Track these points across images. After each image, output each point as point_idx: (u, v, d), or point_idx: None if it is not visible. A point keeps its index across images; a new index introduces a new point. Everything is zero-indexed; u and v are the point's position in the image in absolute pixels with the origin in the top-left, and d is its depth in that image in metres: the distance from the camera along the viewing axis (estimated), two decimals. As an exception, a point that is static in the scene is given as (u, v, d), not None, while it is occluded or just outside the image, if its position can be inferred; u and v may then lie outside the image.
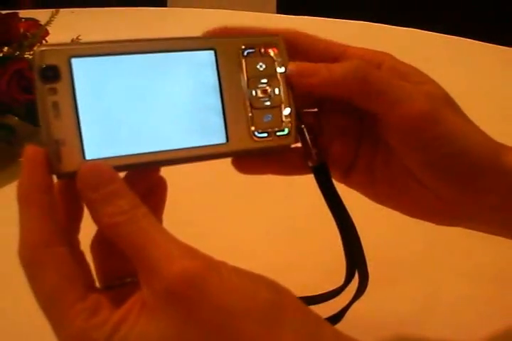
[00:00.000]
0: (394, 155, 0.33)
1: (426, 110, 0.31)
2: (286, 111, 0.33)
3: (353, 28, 1.42)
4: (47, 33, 0.75)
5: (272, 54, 0.33)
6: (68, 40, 0.69)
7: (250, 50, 0.32)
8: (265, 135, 0.33)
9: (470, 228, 0.36)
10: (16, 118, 0.69)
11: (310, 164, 0.34)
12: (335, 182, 0.36)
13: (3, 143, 0.64)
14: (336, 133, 0.36)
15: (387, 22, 1.39)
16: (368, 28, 1.42)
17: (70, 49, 0.29)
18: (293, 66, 0.32)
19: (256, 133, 0.32)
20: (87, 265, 0.30)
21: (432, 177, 0.32)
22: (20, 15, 0.73)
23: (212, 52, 0.32)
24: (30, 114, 0.66)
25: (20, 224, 0.27)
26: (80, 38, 0.71)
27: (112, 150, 0.29)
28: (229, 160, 0.35)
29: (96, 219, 0.27)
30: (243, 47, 0.32)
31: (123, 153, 0.29)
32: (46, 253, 0.26)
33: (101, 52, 0.29)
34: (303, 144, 0.34)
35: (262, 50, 0.33)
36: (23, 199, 0.27)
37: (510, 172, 0.32)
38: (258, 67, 0.33)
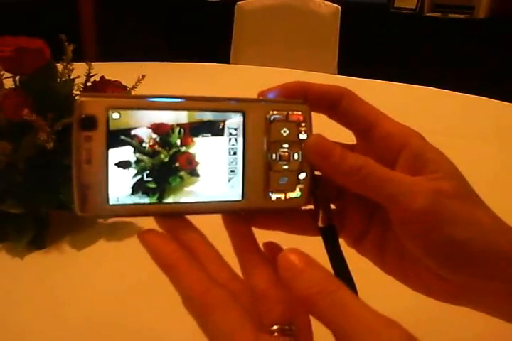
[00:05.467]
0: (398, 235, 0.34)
1: (425, 205, 0.31)
2: (302, 175, 0.34)
3: (416, 92, 1.45)
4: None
5: (297, 120, 0.34)
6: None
7: (277, 116, 0.34)
8: (279, 196, 0.34)
9: (476, 310, 0.35)
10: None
11: (319, 225, 0.35)
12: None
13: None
14: (353, 201, 0.36)
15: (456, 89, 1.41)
16: (428, 92, 1.44)
17: (109, 101, 0.31)
18: (312, 141, 0.33)
19: (270, 193, 0.34)
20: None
21: (435, 263, 0.32)
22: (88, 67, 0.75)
23: (241, 114, 0.33)
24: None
25: (174, 283, 0.30)
26: (129, 89, 0.74)
27: (135, 199, 0.31)
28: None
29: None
30: (271, 112, 0.34)
31: (145, 202, 0.31)
32: (212, 296, 0.28)
33: (136, 106, 0.31)
34: (314, 205, 0.35)
35: (288, 116, 0.34)
36: (165, 264, 0.30)
37: None
38: (282, 132, 0.34)
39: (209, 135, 0.33)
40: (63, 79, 0.74)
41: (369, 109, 0.36)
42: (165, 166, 0.32)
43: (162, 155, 0.32)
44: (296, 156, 0.34)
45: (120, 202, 0.31)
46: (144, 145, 0.31)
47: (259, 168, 0.34)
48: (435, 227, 0.31)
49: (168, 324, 0.53)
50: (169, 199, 0.32)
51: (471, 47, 3.06)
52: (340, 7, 2.04)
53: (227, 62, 2.10)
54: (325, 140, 0.33)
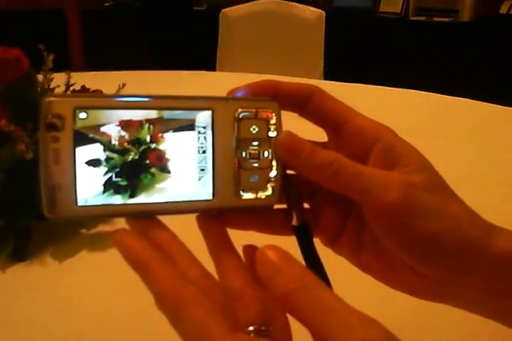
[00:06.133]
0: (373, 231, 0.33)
1: (397, 198, 0.31)
2: (273, 173, 0.34)
3: (403, 95, 1.46)
4: None
5: (266, 118, 0.34)
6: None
7: (246, 113, 0.34)
8: (250, 194, 0.34)
9: (457, 307, 0.34)
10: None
11: (293, 224, 0.34)
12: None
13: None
14: (327, 199, 0.36)
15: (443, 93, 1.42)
16: (414, 95, 1.44)
17: (75, 101, 0.30)
18: (281, 138, 0.33)
19: (241, 192, 0.34)
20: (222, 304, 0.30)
21: (410, 258, 0.32)
22: (75, 77, 0.75)
23: (209, 112, 0.33)
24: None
25: (146, 281, 0.29)
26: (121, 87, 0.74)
27: (103, 199, 0.31)
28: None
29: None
30: (239, 109, 0.34)
31: (114, 202, 0.31)
32: (185, 292, 0.28)
33: (103, 105, 0.31)
34: (287, 203, 0.35)
35: (258, 113, 0.34)
36: (136, 262, 0.30)
37: (495, 255, 0.31)
38: (251, 129, 0.34)
39: (179, 132, 0.32)
40: (43, 88, 0.73)
41: (340, 105, 0.36)
42: (135, 163, 0.31)
43: (132, 153, 0.31)
44: (266, 154, 0.34)
45: (89, 204, 0.30)
46: (113, 142, 0.31)
47: (229, 167, 0.33)
48: (409, 220, 0.31)
49: (155, 333, 0.52)
50: (141, 197, 0.31)
51: (456, 49, 3.08)
52: (324, 12, 2.05)
53: (214, 69, 2.10)
54: (295, 136, 0.33)
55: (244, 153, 0.34)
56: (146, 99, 0.32)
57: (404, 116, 1.25)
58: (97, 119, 0.30)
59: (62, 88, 0.73)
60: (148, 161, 0.32)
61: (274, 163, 0.34)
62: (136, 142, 0.31)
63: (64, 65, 0.75)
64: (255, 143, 0.34)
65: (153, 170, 0.32)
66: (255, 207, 0.34)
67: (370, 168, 0.33)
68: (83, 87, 0.75)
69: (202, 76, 1.73)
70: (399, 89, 1.47)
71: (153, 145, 0.32)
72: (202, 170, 0.33)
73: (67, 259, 0.64)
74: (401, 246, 0.32)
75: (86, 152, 0.30)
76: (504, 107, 1.28)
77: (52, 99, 0.30)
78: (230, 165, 0.34)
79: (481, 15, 3.15)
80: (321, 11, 2.06)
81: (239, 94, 0.35)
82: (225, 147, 0.33)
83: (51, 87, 0.73)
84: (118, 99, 0.32)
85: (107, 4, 3.80)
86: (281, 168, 0.34)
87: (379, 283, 0.35)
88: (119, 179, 0.31)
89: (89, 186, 0.31)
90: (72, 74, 0.74)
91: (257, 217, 0.36)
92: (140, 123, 0.31)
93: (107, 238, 0.67)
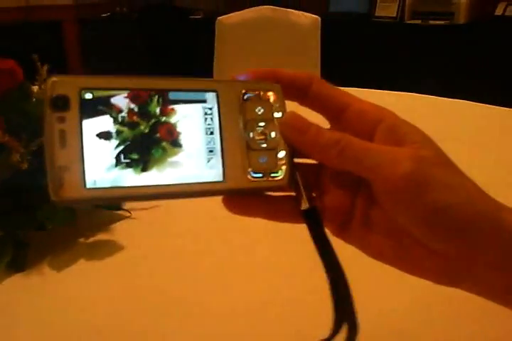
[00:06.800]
0: (384, 210, 0.33)
1: (408, 172, 0.31)
2: (281, 154, 0.34)
3: (401, 99, 1.46)
4: None
5: (270, 99, 0.34)
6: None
7: (250, 94, 0.34)
8: (260, 175, 0.33)
9: (471, 291, 0.34)
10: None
11: (301, 207, 0.34)
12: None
13: (62, 225, 0.65)
14: (332, 183, 0.36)
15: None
16: (407, 98, 1.45)
17: (82, 81, 0.30)
18: (287, 117, 0.34)
19: (251, 173, 0.33)
20: None
21: (424, 233, 0.32)
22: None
23: (214, 94, 0.33)
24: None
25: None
26: None
27: (113, 178, 0.30)
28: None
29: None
30: (243, 91, 0.34)
31: (124, 184, 0.30)
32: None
33: (110, 86, 0.30)
34: (295, 188, 0.35)
35: (262, 95, 0.34)
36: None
37: (508, 231, 0.31)
38: (257, 110, 0.34)
39: (186, 112, 0.32)
40: (38, 99, 0.74)
41: (339, 91, 0.36)
42: (146, 137, 0.31)
43: (142, 126, 0.31)
44: (273, 134, 0.34)
45: (98, 186, 0.29)
46: (122, 115, 0.30)
47: (238, 148, 0.33)
48: (421, 193, 0.31)
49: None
50: (153, 172, 0.31)
51: (452, 52, 3.09)
52: (320, 18, 2.06)
53: (211, 77, 2.11)
54: (300, 116, 0.34)
55: (251, 134, 0.34)
56: (152, 79, 0.32)
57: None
58: (100, 96, 0.30)
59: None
60: (158, 135, 0.31)
61: (282, 143, 0.34)
62: (146, 115, 0.31)
63: (59, 63, 0.75)
64: (262, 123, 0.34)
65: (164, 143, 0.31)
66: (266, 188, 0.34)
67: (378, 145, 0.33)
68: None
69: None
70: (396, 92, 1.47)
71: (163, 119, 0.31)
72: (210, 151, 0.33)
73: (66, 269, 0.63)
74: (415, 221, 0.31)
75: (94, 126, 0.30)
76: (503, 108, 1.29)
77: (56, 79, 0.29)
78: (239, 146, 0.33)
79: (476, 18, 3.16)
80: (316, 16, 2.06)
81: (241, 78, 0.35)
82: (233, 128, 0.33)
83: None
84: (125, 80, 0.31)
85: (104, 15, 3.82)
86: (289, 148, 0.34)
87: (385, 278, 0.35)
88: (129, 153, 0.30)
89: (99, 164, 0.30)
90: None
91: (264, 202, 0.35)
92: (149, 96, 0.31)
93: (104, 246, 0.68)
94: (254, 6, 2.14)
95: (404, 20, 3.28)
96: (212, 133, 0.33)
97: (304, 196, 0.34)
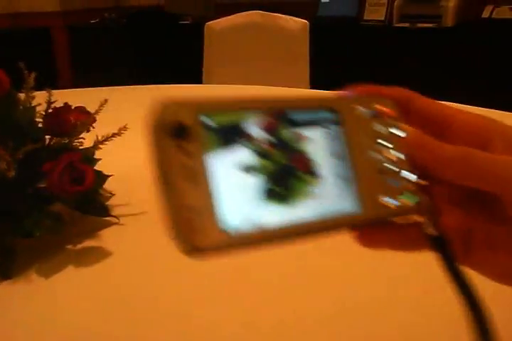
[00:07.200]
0: None
1: None
2: (408, 175, 0.31)
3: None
4: (94, 120, 0.77)
5: (390, 117, 0.32)
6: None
7: (369, 112, 0.31)
8: (392, 201, 0.31)
9: None
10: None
11: (430, 234, 0.32)
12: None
13: (50, 232, 0.65)
14: (449, 203, 0.34)
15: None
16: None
17: (198, 105, 0.26)
18: (412, 136, 0.32)
19: (384, 199, 0.30)
20: None
21: None
22: (61, 94, 0.75)
23: (336, 113, 0.30)
24: (79, 202, 0.69)
25: None
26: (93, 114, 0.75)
27: (255, 221, 0.25)
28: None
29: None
30: (363, 108, 0.31)
31: (268, 225, 0.26)
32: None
33: (230, 109, 0.27)
34: (423, 215, 0.33)
35: (381, 112, 0.32)
36: None
37: None
38: (380, 129, 0.32)
39: (312, 133, 0.29)
40: (25, 107, 0.74)
41: (441, 105, 0.35)
42: (282, 168, 0.27)
43: (277, 156, 0.27)
44: (399, 155, 0.31)
45: (240, 228, 0.25)
46: (254, 144, 0.26)
47: (368, 172, 0.30)
48: None
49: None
50: (296, 206, 0.27)
51: (441, 54, 3.11)
52: (308, 22, 2.07)
53: (200, 82, 2.11)
54: (421, 133, 0.32)
55: (378, 156, 0.31)
56: (268, 100, 0.29)
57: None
58: (225, 122, 0.26)
59: (44, 106, 0.73)
60: (293, 164, 0.28)
61: (407, 163, 0.31)
62: (278, 142, 0.27)
63: (52, 82, 0.75)
64: (387, 143, 0.31)
65: (300, 174, 0.28)
66: (400, 213, 0.31)
67: (502, 156, 0.31)
68: (66, 104, 0.75)
69: (189, 89, 1.74)
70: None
71: (294, 145, 0.28)
72: (343, 178, 0.29)
73: (53, 276, 0.63)
74: None
75: (223, 158, 0.25)
76: (491, 110, 1.29)
77: (172, 103, 0.25)
78: (369, 169, 0.30)
79: (464, 20, 3.18)
80: (304, 21, 2.08)
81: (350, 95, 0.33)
82: (360, 150, 0.30)
83: (33, 105, 0.74)
84: (243, 102, 0.28)
85: (92, 21, 3.82)
86: (417, 169, 0.32)
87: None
88: (269, 187, 0.26)
89: (237, 202, 0.25)
90: (57, 92, 0.75)
91: (389, 232, 0.33)
92: (276, 120, 0.28)
93: (93, 253, 0.68)
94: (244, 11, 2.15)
95: (392, 23, 3.30)
96: (340, 157, 0.30)
97: (433, 222, 0.32)
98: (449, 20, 3.15)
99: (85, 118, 0.75)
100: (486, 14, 3.17)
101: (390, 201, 0.30)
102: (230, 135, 0.26)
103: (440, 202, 0.33)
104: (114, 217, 0.73)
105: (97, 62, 3.58)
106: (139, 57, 3.79)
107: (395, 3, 3.28)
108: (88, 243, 0.70)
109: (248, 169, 0.26)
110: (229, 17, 2.16)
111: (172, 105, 0.25)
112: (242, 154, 0.26)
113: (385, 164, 0.31)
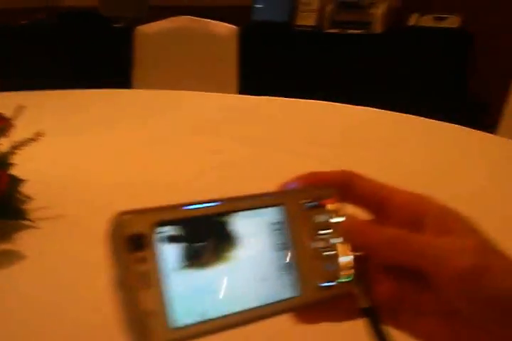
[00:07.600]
0: (441, 297, 0.34)
1: (472, 262, 0.32)
2: (345, 259, 0.35)
3: (311, 107, 1.51)
4: (11, 126, 0.78)
5: (329, 206, 0.35)
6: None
7: (311, 204, 0.35)
8: (330, 283, 0.34)
9: None
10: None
11: (362, 306, 0.34)
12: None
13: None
14: (380, 274, 0.36)
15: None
16: (324, 107, 1.51)
17: (155, 215, 0.28)
18: (348, 221, 0.35)
19: (323, 282, 0.34)
20: None
21: (490, 319, 0.33)
22: None
23: (281, 208, 0.33)
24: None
25: None
26: (40, 133, 0.75)
27: (196, 317, 0.28)
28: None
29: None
30: (304, 201, 0.34)
31: (207, 318, 0.29)
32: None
33: (182, 217, 0.29)
34: (356, 288, 0.35)
35: (320, 203, 0.35)
36: None
37: None
38: (318, 219, 0.35)
39: (256, 233, 0.32)
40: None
41: (379, 184, 0.38)
42: (228, 263, 0.30)
43: (226, 252, 0.30)
44: (335, 240, 0.35)
45: (188, 323, 0.28)
46: (200, 244, 0.30)
47: (308, 259, 0.34)
48: (486, 282, 0.32)
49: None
50: (242, 296, 0.30)
51: (369, 59, 3.22)
52: (240, 27, 2.10)
53: (130, 86, 2.11)
54: (357, 218, 0.36)
55: (317, 244, 0.34)
56: (218, 203, 0.31)
57: (319, 127, 1.29)
58: (177, 229, 0.29)
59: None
60: (239, 258, 0.31)
61: (344, 247, 0.35)
62: (223, 240, 0.31)
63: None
64: (324, 231, 0.35)
65: (246, 266, 0.31)
66: (336, 295, 0.34)
67: (433, 238, 0.34)
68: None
69: (118, 94, 1.74)
70: (315, 101, 1.52)
71: (237, 240, 0.31)
72: (284, 267, 0.33)
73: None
74: (479, 308, 0.33)
75: (174, 261, 0.28)
76: (411, 116, 1.34)
77: (129, 215, 0.27)
78: (308, 257, 0.34)
79: (391, 27, 3.31)
80: (234, 26, 2.11)
81: (292, 186, 0.36)
82: (300, 240, 0.34)
83: None
84: (187, 208, 0.30)
85: (23, 22, 3.73)
86: (353, 252, 0.35)
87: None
88: (214, 281, 0.29)
89: (185, 300, 0.28)
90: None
91: (326, 308, 0.35)
92: (224, 225, 0.31)
93: (7, 256, 0.68)
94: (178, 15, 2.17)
95: (323, 29, 3.38)
96: (284, 248, 0.33)
97: (365, 295, 0.35)
98: (377, 27, 3.27)
99: (2, 124, 0.76)
100: (411, 22, 3.30)
101: (328, 284, 0.34)
102: (178, 239, 0.29)
103: (374, 272, 0.36)
104: (29, 220, 0.74)
105: (27, 64, 3.49)
106: (70, 60, 3.73)
107: (326, 10, 3.36)
108: (2, 246, 0.70)
109: (197, 267, 0.29)
110: (159, 21, 2.17)
111: (128, 216, 0.27)
112: (193, 255, 0.29)
113: (324, 252, 0.34)
